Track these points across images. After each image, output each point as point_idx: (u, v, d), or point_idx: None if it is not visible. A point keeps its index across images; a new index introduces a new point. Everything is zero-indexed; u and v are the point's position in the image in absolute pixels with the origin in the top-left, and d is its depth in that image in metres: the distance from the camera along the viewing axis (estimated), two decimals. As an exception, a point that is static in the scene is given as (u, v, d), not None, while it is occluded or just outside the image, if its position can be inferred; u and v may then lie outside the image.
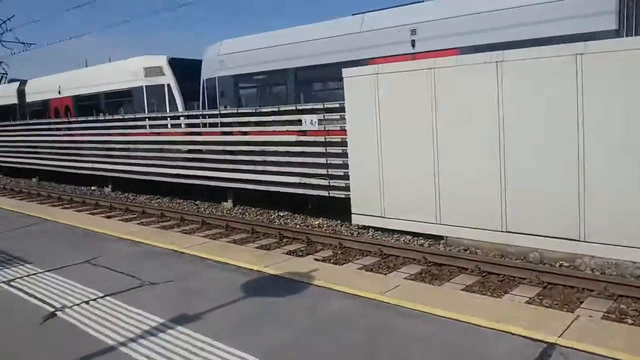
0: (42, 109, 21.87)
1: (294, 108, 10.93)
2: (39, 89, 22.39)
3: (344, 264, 7.24)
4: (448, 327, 3.91)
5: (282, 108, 11.16)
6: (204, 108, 14.18)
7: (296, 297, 4.67)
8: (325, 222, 10.20)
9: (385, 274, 6.40)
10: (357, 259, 7.45)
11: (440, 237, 7.80)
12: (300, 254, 7.93)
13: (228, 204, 12.65)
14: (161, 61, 16.73)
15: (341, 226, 9.68)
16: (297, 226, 10.11)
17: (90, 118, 17.25)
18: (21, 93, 23.24)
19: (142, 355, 3.61)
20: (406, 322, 4.04)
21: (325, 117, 10.09)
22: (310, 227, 10.04)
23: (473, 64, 7.23)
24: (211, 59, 13.96)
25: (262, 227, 9.85)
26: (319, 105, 10.29)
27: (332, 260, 7.46)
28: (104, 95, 18.40)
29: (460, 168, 7.44)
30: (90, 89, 19.07)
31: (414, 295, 4.61)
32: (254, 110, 11.83)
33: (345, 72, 9.11)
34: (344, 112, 9.32)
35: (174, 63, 16.81)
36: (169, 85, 16.34)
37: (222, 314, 4.33)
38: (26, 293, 5.03)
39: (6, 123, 21.82)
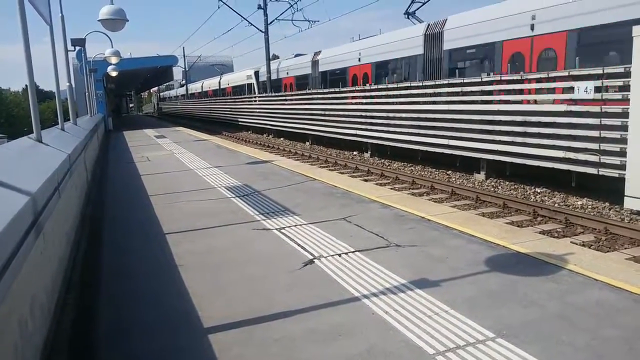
0: (278, 84, 30.44)
1: (565, 74, 9.91)
2: (279, 69, 30.67)
3: (608, 251, 6.41)
4: None
5: (553, 74, 10.23)
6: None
7: (544, 280, 4.32)
8: (590, 203, 9.13)
9: (663, 270, 5.42)
10: (626, 248, 6.52)
11: None
12: (556, 235, 7.29)
13: (480, 176, 12.31)
14: (251, 72, 35.12)
15: (609, 210, 8.53)
16: (555, 205, 9.29)
17: (357, 88, 18.66)
18: (256, 75, 34.69)
19: (380, 310, 3.83)
20: (683, 329, 3.38)
21: (604, 84, 8.93)
22: (571, 207, 9.11)
23: None
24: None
25: (515, 202, 9.33)
26: (597, 71, 9.13)
27: (593, 246, 6.68)
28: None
29: None
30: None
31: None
32: (519, 77, 11.13)
33: (636, 29, 7.77)
34: (629, 77, 8.09)
35: (256, 75, 34.15)
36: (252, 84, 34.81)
37: (461, 284, 4.28)
38: (292, 240, 5.78)
39: (281, 94, 26.85)
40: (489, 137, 11.71)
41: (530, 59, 12.53)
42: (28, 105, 6.48)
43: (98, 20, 11.51)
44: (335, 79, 22.37)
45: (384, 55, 19.02)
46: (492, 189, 11.19)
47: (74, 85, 13.52)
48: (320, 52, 24.67)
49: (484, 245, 5.30)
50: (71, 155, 6.19)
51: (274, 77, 31.00)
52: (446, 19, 15.97)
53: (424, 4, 19.33)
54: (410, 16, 19.94)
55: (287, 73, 28.72)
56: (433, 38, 16.17)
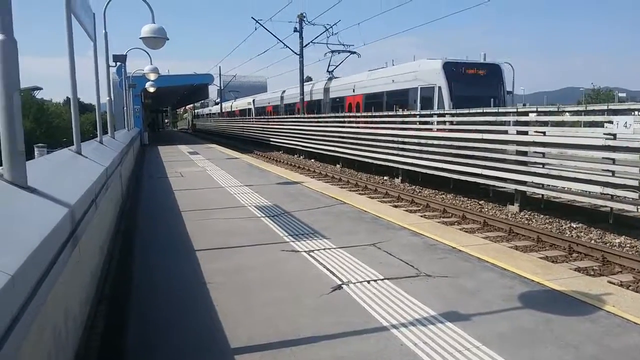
0: (263, 110, 43.13)
1: (604, 107, 9.73)
2: (270, 99, 42.08)
3: (647, 293, 6.14)
4: None
5: (590, 107, 10.06)
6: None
7: (580, 320, 4.17)
8: (629, 241, 8.83)
9: None
10: (667, 292, 6.23)
11: None
12: (592, 273, 7.06)
13: (514, 208, 12.07)
14: (250, 99, 48.47)
15: (649, 249, 8.23)
16: (592, 241, 9.01)
17: (391, 113, 18.69)
18: (253, 102, 47.10)
19: (409, 341, 3.75)
20: None
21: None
22: (608, 244, 8.83)
23: None
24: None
25: (549, 236, 9.09)
26: (637, 105, 8.95)
27: (632, 287, 6.44)
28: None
29: None
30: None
31: None
32: (555, 109, 10.99)
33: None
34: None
35: (253, 102, 47.02)
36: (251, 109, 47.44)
37: (493, 319, 4.17)
38: (321, 264, 5.75)
39: (314, 115, 27.97)
40: (524, 169, 11.52)
41: (354, 106, 24.72)
42: (68, 116, 6.66)
43: (139, 38, 11.85)
44: (286, 110, 36.04)
45: (308, 96, 31.24)
46: (526, 222, 10.94)
47: (112, 100, 13.89)
48: (285, 90, 37.85)
49: (517, 280, 5.17)
50: (108, 169, 6.33)
51: (263, 105, 43.49)
52: (331, 80, 29.55)
53: (336, 67, 31.52)
54: (330, 73, 31.28)
55: (269, 103, 41.90)
56: (326, 90, 28.97)
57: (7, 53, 2.77)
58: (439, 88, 17.59)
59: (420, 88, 18.66)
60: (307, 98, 31.12)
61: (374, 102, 22.27)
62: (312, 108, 30.00)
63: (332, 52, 30.56)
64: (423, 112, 16.52)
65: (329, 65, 31.03)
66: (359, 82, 24.42)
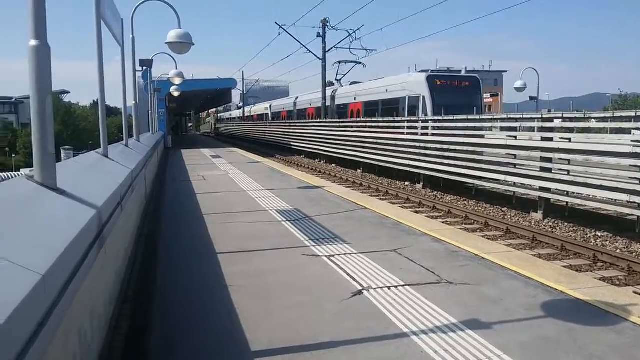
0: (278, 116, 47.02)
1: (632, 114, 9.57)
2: (285, 104, 45.06)
3: (676, 305, 5.99)
4: None
5: (618, 114, 9.90)
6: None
7: (605, 330, 4.10)
8: (657, 251, 8.63)
9: None
10: (698, 304, 6.06)
11: None
12: (617, 282, 6.93)
13: (537, 215, 11.91)
14: (267, 105, 52.64)
15: (679, 260, 8.03)
16: (618, 250, 8.84)
17: (412, 118, 18.62)
18: (270, 107, 51.11)
19: (430, 349, 3.73)
20: None
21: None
22: (634, 254, 8.65)
23: None
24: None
25: (574, 245, 8.95)
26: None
27: (659, 298, 6.26)
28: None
29: None
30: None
31: None
32: (581, 115, 10.84)
33: None
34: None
35: (270, 107, 51.35)
36: (267, 114, 52.27)
37: (515, 328, 4.12)
38: (341, 269, 5.75)
39: (334, 120, 28.79)
40: (548, 175, 11.36)
41: (356, 112, 26.93)
42: (94, 119, 6.82)
43: (166, 43, 12.03)
44: (298, 115, 39.15)
45: (317, 103, 33.88)
46: (550, 230, 10.78)
47: (138, 104, 14.10)
48: (298, 97, 41.62)
49: (540, 289, 5.10)
50: (134, 171, 6.44)
51: (279, 110, 46.55)
52: (337, 89, 32.48)
53: (344, 75, 34.62)
54: (338, 82, 34.51)
55: (284, 108, 45.11)
56: (332, 97, 31.63)
57: (40, 58, 2.85)
58: (423, 97, 20.06)
59: (408, 97, 21.40)
60: (316, 105, 33.66)
61: (372, 109, 24.88)
62: (321, 113, 32.46)
63: (340, 62, 34.52)
64: (446, 118, 16.41)
65: (337, 74, 34.67)
66: (360, 91, 27.67)
